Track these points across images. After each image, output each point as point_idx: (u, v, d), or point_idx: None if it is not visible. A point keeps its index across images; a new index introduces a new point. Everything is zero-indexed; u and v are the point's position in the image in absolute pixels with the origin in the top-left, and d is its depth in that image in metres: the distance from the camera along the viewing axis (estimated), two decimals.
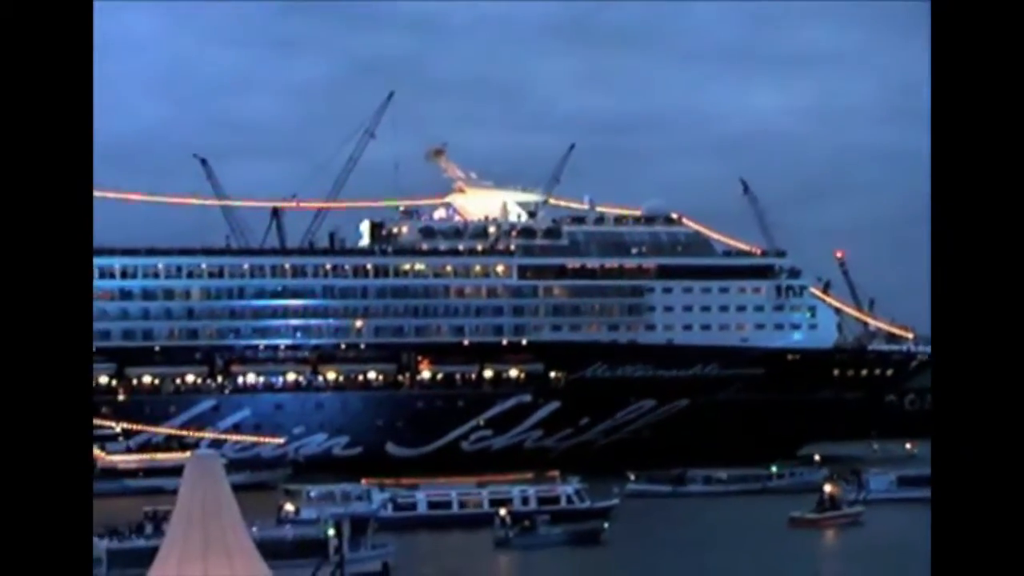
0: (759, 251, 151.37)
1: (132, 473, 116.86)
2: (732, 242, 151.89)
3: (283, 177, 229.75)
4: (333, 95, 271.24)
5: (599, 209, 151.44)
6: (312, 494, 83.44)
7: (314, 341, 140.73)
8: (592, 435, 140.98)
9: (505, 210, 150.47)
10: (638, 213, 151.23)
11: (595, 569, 70.61)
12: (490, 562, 74.86)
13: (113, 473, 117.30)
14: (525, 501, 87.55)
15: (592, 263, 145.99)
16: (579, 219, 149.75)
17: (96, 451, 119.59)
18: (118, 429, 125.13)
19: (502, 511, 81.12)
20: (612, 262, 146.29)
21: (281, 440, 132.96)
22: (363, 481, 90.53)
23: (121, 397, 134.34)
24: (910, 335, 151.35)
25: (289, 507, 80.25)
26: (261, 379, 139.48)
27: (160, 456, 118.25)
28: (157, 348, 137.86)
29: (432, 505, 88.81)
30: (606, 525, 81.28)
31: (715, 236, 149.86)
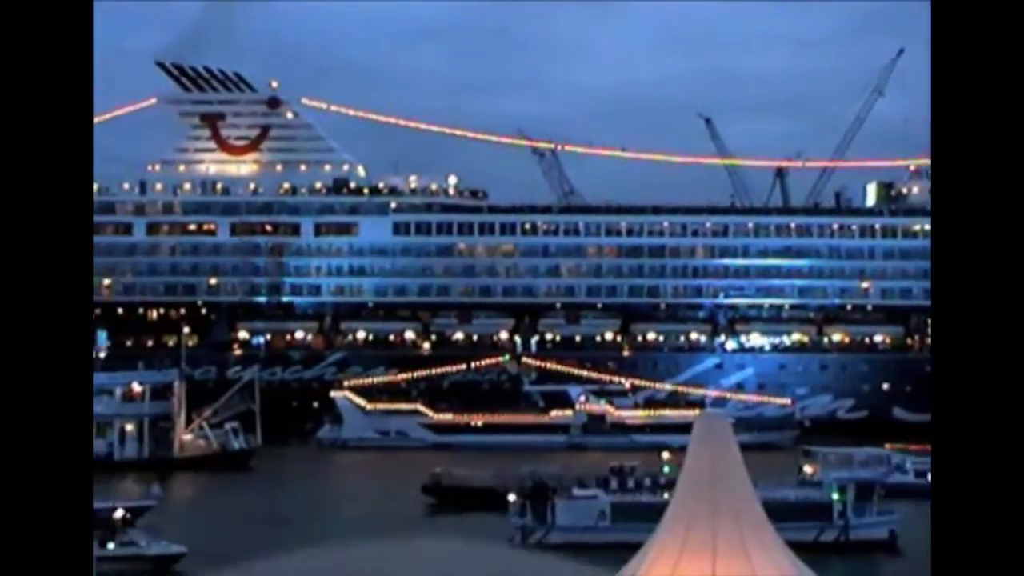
0: None
1: (639, 428, 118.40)
2: None
3: (787, 135, 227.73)
4: (840, 50, 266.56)
5: None
6: (830, 457, 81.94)
7: (819, 302, 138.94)
8: None
9: None
10: None
11: None
12: None
13: (621, 428, 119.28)
14: None
15: None
16: None
17: (606, 406, 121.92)
18: (626, 385, 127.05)
19: None
20: None
21: (786, 401, 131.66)
22: (886, 446, 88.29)
23: (626, 353, 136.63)
24: None
25: (808, 469, 79.07)
26: (765, 339, 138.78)
27: (667, 412, 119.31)
28: (662, 305, 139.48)
29: None
30: None
31: None
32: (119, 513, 60.40)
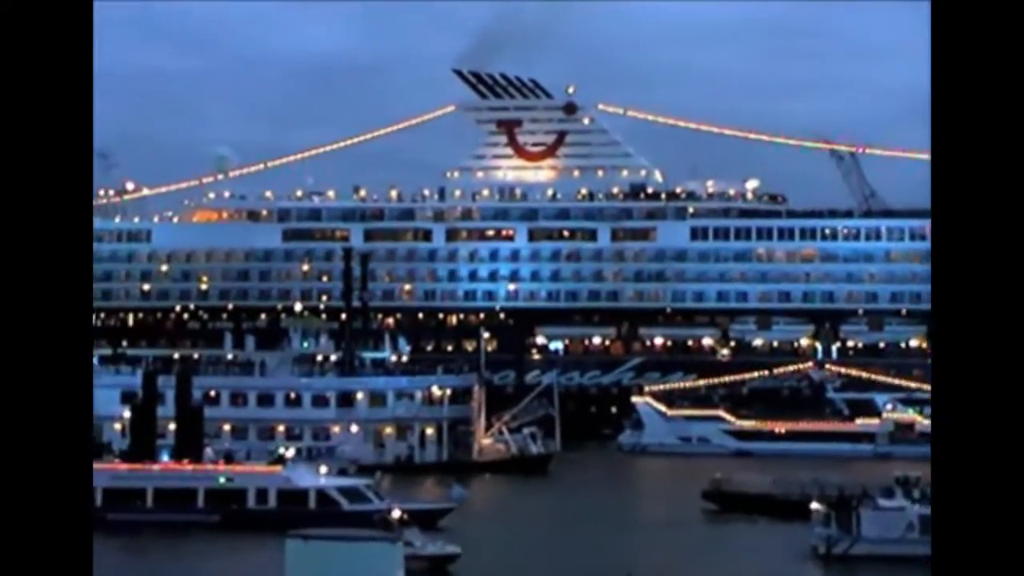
0: None
1: None
2: None
3: None
4: None
5: None
6: None
7: None
8: None
9: None
10: None
11: None
12: None
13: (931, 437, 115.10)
14: None
15: None
16: None
17: (915, 415, 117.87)
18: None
19: None
20: None
21: None
22: None
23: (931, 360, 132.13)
24: None
25: None
26: None
27: None
28: None
29: None
30: None
31: None
32: (396, 513, 60.92)
